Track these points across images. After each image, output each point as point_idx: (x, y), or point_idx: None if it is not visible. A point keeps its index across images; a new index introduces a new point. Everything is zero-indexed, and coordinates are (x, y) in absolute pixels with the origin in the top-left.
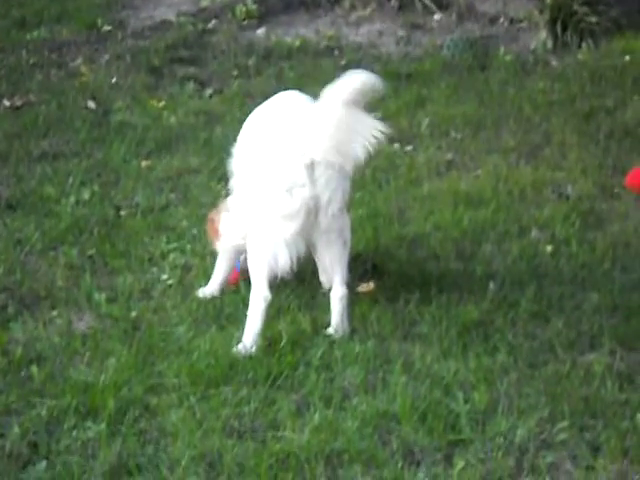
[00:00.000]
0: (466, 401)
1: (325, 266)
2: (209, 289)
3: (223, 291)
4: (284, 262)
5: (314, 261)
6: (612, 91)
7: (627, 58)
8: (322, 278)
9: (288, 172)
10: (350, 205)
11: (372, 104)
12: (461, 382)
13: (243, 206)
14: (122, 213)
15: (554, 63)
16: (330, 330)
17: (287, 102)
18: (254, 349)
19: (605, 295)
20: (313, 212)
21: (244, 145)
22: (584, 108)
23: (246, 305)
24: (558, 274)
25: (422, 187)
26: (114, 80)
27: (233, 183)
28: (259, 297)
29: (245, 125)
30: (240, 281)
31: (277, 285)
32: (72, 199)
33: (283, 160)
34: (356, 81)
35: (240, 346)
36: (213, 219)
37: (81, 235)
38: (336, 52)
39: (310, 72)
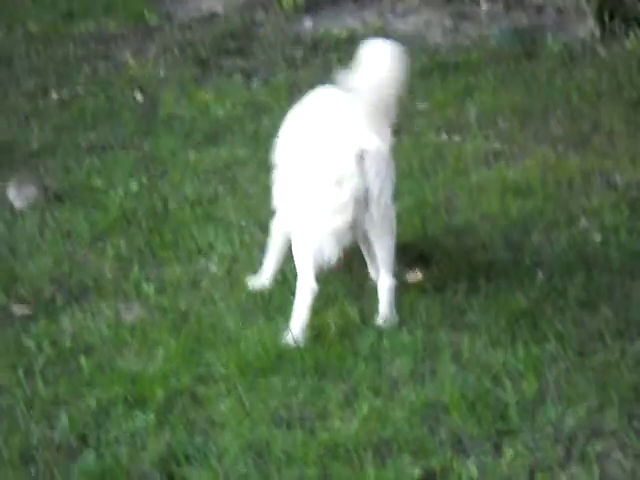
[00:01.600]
0: (515, 390)
1: (374, 258)
2: (260, 280)
3: (274, 282)
4: (331, 255)
5: (361, 251)
6: None
7: None
8: (372, 271)
9: (337, 164)
10: (397, 195)
11: (420, 95)
12: (510, 371)
13: (289, 197)
14: (170, 205)
15: (602, 52)
16: (378, 320)
17: (331, 95)
18: (302, 340)
19: None
20: (363, 204)
21: (288, 139)
22: (632, 97)
23: (294, 295)
24: (607, 263)
25: (470, 177)
26: (162, 72)
27: (276, 175)
28: (306, 289)
29: (288, 118)
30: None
31: (325, 275)
32: (120, 191)
33: (332, 151)
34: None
35: (288, 337)
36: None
37: (129, 227)
38: None
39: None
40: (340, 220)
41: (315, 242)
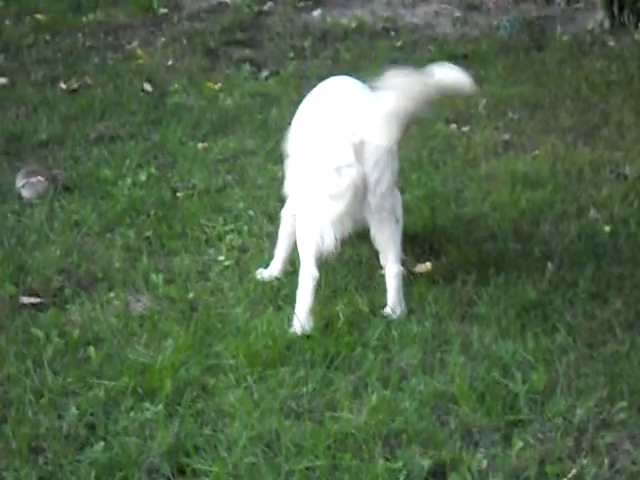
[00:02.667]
0: (524, 381)
1: (381, 247)
2: (270, 271)
3: (284, 272)
4: (330, 241)
5: (371, 241)
6: None
7: None
8: (382, 260)
9: (337, 151)
10: (407, 185)
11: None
12: (519, 362)
13: (296, 185)
14: (179, 195)
15: (611, 43)
16: (387, 310)
17: (338, 85)
18: (309, 327)
19: None
20: (361, 191)
21: (297, 127)
22: None
23: None
24: (617, 254)
25: (479, 168)
26: (170, 63)
27: (287, 164)
28: (307, 276)
29: (299, 109)
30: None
31: (334, 266)
32: (129, 181)
33: (332, 139)
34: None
35: (296, 326)
36: None
37: (138, 217)
38: (392, 33)
39: (366, 53)
40: (339, 207)
41: (315, 228)
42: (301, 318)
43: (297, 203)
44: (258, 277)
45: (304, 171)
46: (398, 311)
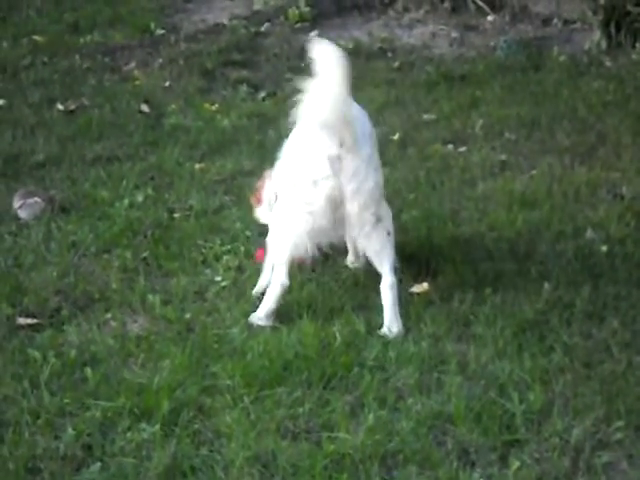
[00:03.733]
0: (521, 401)
1: (372, 258)
2: (260, 286)
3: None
4: (305, 252)
5: (369, 263)
6: None
7: None
8: (350, 257)
9: (313, 164)
10: (404, 205)
11: (426, 106)
12: (516, 382)
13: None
14: (176, 215)
15: (608, 63)
16: (384, 329)
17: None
18: (265, 323)
19: None
20: (337, 204)
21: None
22: (639, 108)
23: (300, 306)
24: (613, 274)
25: (476, 188)
26: (167, 84)
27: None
28: (277, 282)
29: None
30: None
31: (331, 287)
32: (126, 202)
33: (309, 152)
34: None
35: (254, 317)
36: (257, 187)
37: (135, 238)
38: (389, 54)
39: (363, 74)
40: (314, 218)
41: (291, 239)
42: (262, 314)
43: (274, 214)
44: (255, 296)
45: (282, 182)
46: (394, 329)
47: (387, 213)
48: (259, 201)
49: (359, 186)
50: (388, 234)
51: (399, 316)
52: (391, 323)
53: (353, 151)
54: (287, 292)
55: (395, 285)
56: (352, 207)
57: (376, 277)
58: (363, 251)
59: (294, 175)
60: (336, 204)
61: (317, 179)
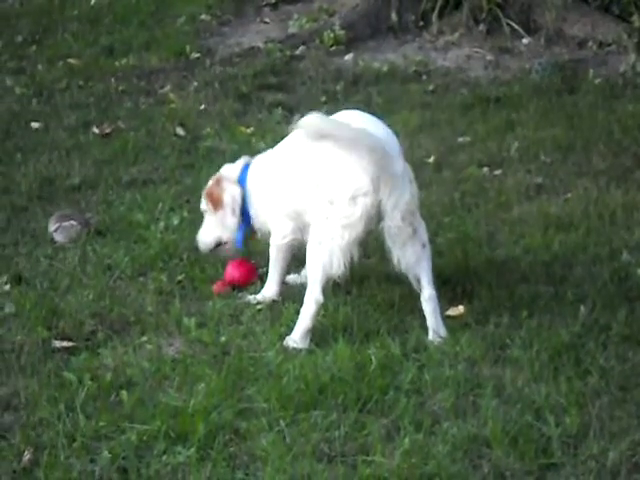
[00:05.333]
0: (557, 425)
1: (408, 271)
2: (267, 293)
3: (282, 292)
4: (339, 268)
5: (402, 284)
6: None
7: None
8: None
9: (354, 180)
10: (439, 229)
11: (461, 128)
12: (552, 405)
13: (294, 208)
14: None
15: None
16: (429, 337)
17: (350, 117)
18: (303, 345)
19: None
20: (374, 220)
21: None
22: None
23: (336, 329)
24: None
25: (512, 211)
26: (203, 107)
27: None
28: (312, 300)
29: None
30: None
31: (366, 310)
32: (161, 225)
33: (349, 169)
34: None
35: (290, 340)
36: (211, 191)
37: (170, 261)
38: (424, 77)
39: (398, 97)
40: (350, 235)
41: (326, 255)
42: (297, 337)
43: (311, 230)
44: (252, 302)
45: (317, 198)
46: (442, 332)
47: (421, 225)
48: (217, 206)
49: (397, 200)
50: (423, 246)
51: (441, 321)
52: (437, 327)
53: (390, 169)
54: (322, 310)
55: (435, 297)
56: (392, 220)
57: (411, 300)
58: (398, 266)
59: (331, 190)
60: (371, 220)
61: (357, 195)
